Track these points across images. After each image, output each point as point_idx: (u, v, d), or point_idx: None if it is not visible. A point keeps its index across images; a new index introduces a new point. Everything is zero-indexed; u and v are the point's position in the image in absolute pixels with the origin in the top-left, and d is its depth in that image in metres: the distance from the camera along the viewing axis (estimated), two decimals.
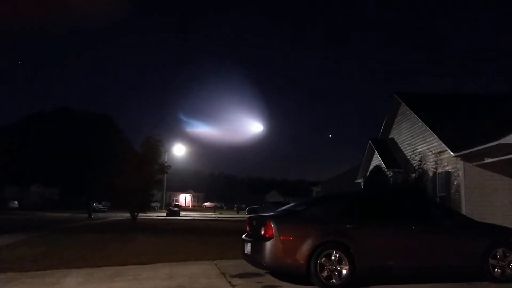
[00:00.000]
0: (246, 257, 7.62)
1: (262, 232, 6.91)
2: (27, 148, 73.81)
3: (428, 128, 16.08)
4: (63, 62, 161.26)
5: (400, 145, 19.71)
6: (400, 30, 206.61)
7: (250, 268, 7.71)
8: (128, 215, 24.45)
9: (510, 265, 7.22)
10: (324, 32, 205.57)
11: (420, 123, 16.99)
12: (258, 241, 7.03)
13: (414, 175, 16.63)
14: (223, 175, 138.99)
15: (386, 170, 18.79)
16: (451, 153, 14.16)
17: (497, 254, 7.24)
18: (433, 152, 15.92)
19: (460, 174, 14.11)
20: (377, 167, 19.19)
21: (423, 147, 16.92)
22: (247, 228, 8.09)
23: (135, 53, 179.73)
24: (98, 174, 24.74)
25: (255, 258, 7.11)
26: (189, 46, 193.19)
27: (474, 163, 13.78)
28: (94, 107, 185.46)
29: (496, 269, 7.19)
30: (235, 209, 72.16)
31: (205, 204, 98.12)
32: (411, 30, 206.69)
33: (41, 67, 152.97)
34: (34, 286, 6.62)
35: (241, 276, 7.57)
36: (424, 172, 16.30)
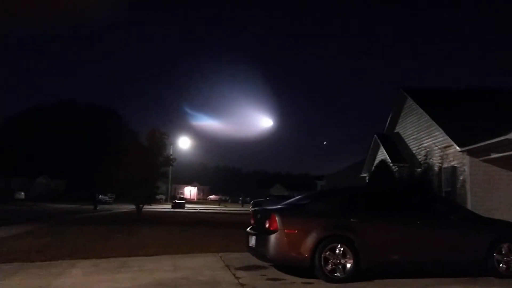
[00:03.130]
0: (250, 250, 7.64)
1: (267, 225, 6.92)
2: (33, 139, 74.16)
3: (434, 122, 16.00)
4: (67, 55, 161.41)
5: (405, 140, 19.64)
6: (409, 24, 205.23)
7: (255, 261, 7.73)
8: (133, 207, 24.53)
9: None
10: (333, 26, 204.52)
11: (426, 118, 16.91)
12: (262, 234, 7.04)
13: (419, 169, 16.59)
14: (228, 168, 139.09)
15: (391, 164, 18.75)
16: (457, 148, 14.09)
17: (502, 249, 7.21)
18: (439, 146, 15.85)
19: (466, 169, 14.05)
20: (383, 162, 19.13)
21: (428, 141, 16.86)
22: (252, 221, 8.11)
23: (140, 45, 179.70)
24: (103, 166, 24.77)
25: (260, 251, 7.12)
26: (195, 38, 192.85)
27: (480, 158, 13.71)
28: (99, 99, 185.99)
29: (501, 265, 7.16)
30: (239, 202, 72.22)
31: (210, 197, 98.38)
32: (419, 24, 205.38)
33: (46, 60, 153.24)
34: (40, 276, 6.67)
35: (245, 268, 7.60)
36: (429, 167, 16.26)
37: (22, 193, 56.86)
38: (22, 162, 67.80)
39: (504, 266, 7.17)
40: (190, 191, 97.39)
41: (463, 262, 7.24)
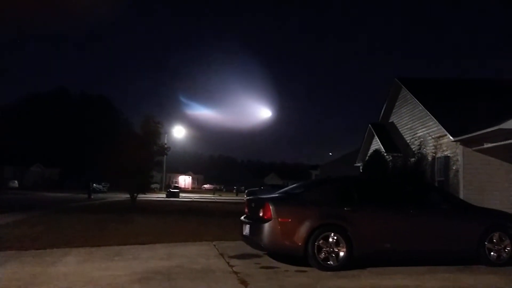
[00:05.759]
0: (244, 238, 7.68)
1: (261, 214, 6.95)
2: (26, 128, 73.68)
3: (428, 112, 16.04)
4: (61, 43, 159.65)
5: (400, 130, 19.69)
6: (405, 14, 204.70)
7: (249, 249, 7.77)
8: (128, 196, 24.52)
9: (506, 249, 7.28)
10: (329, 16, 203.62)
11: (420, 108, 16.95)
12: (256, 222, 7.08)
13: (413, 159, 16.67)
14: (223, 157, 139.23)
15: (385, 154, 18.83)
16: (451, 137, 14.15)
17: (494, 238, 7.29)
18: (433, 136, 15.92)
19: (459, 159, 14.13)
20: (377, 151, 19.21)
21: (422, 131, 16.92)
22: (246, 210, 8.14)
23: (134, 33, 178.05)
24: (97, 155, 24.73)
25: (254, 239, 7.16)
26: (191, 26, 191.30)
27: (473, 148, 13.78)
28: (93, 88, 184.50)
29: (492, 253, 7.25)
30: (234, 191, 72.39)
31: (205, 186, 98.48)
32: (414, 13, 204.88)
33: (39, 48, 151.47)
34: (34, 265, 6.67)
35: (239, 257, 7.65)
36: (423, 157, 16.34)
37: (16, 181, 56.60)
38: (15, 151, 67.39)
39: (495, 254, 7.26)
40: (184, 180, 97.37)
41: (455, 250, 7.32)
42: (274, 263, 7.09)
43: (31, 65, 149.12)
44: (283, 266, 6.86)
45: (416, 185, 9.20)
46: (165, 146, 27.34)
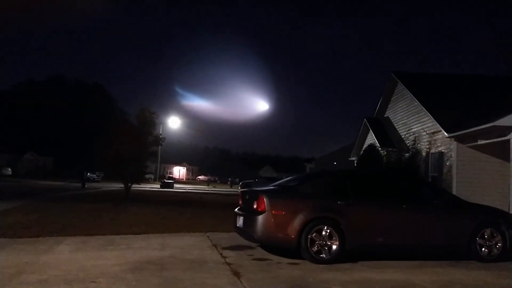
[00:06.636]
0: (238, 230, 7.70)
1: (255, 206, 6.97)
2: (20, 115, 73.18)
3: (423, 108, 16.08)
4: (58, 31, 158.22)
5: (395, 125, 19.74)
6: (402, 9, 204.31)
7: (242, 241, 7.80)
8: (122, 186, 24.48)
9: (497, 245, 7.33)
10: (327, 10, 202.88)
11: (416, 103, 16.98)
12: (250, 214, 7.09)
13: (407, 154, 16.73)
14: (218, 149, 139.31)
15: (380, 149, 18.87)
16: (445, 133, 14.21)
17: (485, 234, 7.34)
18: (427, 132, 15.97)
19: (453, 155, 14.20)
20: (371, 146, 19.26)
21: (417, 127, 16.97)
22: (240, 202, 8.15)
23: (132, 23, 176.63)
24: (92, 144, 24.65)
25: (247, 231, 7.18)
26: (188, 16, 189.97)
27: (467, 144, 13.85)
28: (88, 78, 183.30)
29: (483, 249, 7.30)
30: (228, 183, 72.40)
31: (199, 177, 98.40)
32: (412, 9, 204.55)
33: (34, 35, 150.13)
34: (27, 252, 6.66)
35: (232, 248, 7.67)
36: (417, 152, 16.40)
37: (9, 169, 56.35)
38: (9, 138, 66.98)
39: (486, 250, 7.31)
40: (179, 171, 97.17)
41: (446, 245, 7.37)
42: (267, 255, 7.12)
43: (26, 52, 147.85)
44: (276, 258, 6.88)
45: (409, 180, 9.23)
46: (160, 136, 27.23)
